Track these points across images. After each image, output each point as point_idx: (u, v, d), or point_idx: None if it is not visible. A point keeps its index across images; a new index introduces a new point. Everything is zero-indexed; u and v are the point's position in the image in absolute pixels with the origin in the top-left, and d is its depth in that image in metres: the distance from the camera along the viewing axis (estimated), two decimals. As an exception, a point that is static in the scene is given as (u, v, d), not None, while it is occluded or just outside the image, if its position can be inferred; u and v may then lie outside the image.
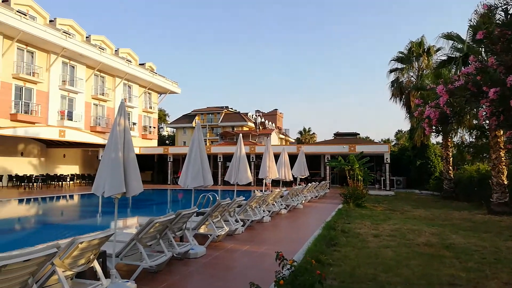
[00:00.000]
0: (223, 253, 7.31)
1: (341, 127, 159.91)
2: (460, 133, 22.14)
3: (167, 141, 74.40)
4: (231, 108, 77.32)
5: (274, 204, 12.97)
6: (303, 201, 16.52)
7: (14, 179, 25.45)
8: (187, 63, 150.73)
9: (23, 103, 26.48)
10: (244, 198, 10.02)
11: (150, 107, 41.62)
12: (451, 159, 22.00)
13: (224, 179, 12.55)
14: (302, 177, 20.22)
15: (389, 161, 27.65)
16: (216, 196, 13.36)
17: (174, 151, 33.77)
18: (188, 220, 6.87)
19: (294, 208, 14.90)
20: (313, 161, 30.93)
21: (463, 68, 12.93)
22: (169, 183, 31.90)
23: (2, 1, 25.98)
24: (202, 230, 8.08)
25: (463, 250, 7.55)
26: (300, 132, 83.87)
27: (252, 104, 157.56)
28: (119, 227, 10.93)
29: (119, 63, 34.30)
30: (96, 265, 4.42)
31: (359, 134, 55.87)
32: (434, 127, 5.68)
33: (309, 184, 19.00)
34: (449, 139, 22.13)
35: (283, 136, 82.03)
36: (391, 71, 28.96)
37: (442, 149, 22.89)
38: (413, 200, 19.96)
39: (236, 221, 9.35)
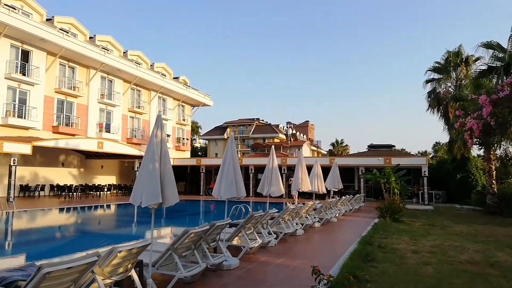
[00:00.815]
0: (256, 266, 7.23)
1: (375, 139, 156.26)
2: (503, 145, 21.02)
3: (199, 153, 75.59)
4: (262, 120, 77.65)
5: (307, 217, 12.77)
6: (337, 215, 16.16)
7: (56, 189, 26.61)
8: (220, 76, 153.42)
9: (64, 116, 27.84)
10: (276, 210, 9.93)
11: (184, 120, 42.56)
12: (494, 172, 20.89)
13: (257, 190, 12.51)
14: (336, 190, 19.86)
15: (427, 174, 26.63)
16: (248, 207, 13.35)
17: (207, 163, 34.21)
18: (221, 232, 6.87)
19: (327, 221, 14.59)
20: (347, 173, 30.32)
21: (505, 78, 12.33)
22: (201, 194, 32.26)
23: (46, 20, 27.65)
24: (235, 241, 8.05)
25: (510, 269, 7.08)
26: (333, 144, 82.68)
27: (283, 116, 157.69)
28: (154, 237, 11.12)
29: (154, 77, 35.42)
30: (133, 274, 4.49)
31: (394, 146, 54.39)
32: (476, 139, 5.42)
33: (343, 197, 18.60)
34: (492, 152, 21.04)
35: (314, 148, 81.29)
36: (427, 81, 28.12)
37: (484, 162, 21.79)
38: (453, 215, 19.04)
39: (269, 233, 9.26)
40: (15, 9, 23.74)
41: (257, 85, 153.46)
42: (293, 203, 13.57)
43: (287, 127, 70.84)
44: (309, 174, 15.51)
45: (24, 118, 24.64)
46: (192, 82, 60.40)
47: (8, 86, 23.98)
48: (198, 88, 44.31)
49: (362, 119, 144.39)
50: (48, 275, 3.23)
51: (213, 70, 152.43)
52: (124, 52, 34.95)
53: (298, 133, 78.66)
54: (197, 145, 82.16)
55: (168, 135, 38.90)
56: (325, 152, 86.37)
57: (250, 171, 31.32)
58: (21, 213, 16.90)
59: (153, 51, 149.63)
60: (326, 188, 17.99)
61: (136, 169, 30.28)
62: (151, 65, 38.45)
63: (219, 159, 35.70)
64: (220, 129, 75.07)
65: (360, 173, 29.04)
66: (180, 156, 38.97)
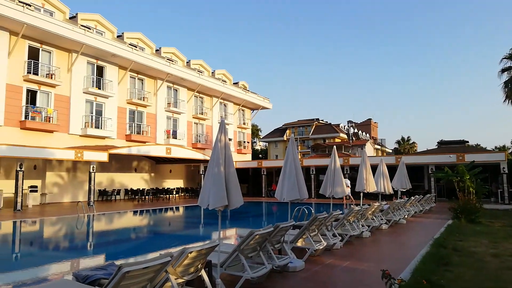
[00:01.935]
0: (322, 268, 7.16)
1: (445, 135, 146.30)
2: None
3: (260, 155, 76.46)
4: (322, 120, 76.46)
5: (373, 219, 12.34)
6: (406, 216, 15.39)
7: (130, 193, 28.59)
8: (278, 78, 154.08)
9: (135, 125, 29.87)
10: (341, 211, 9.73)
11: (244, 123, 43.41)
12: None
13: (319, 192, 12.36)
14: (404, 190, 18.94)
15: (506, 171, 24.32)
16: (311, 209, 13.24)
17: (267, 165, 34.51)
18: (285, 233, 6.91)
19: (396, 223, 13.96)
20: (415, 172, 28.72)
21: None
22: (263, 195, 32.61)
23: (117, 36, 29.90)
24: (299, 243, 8.04)
25: None
26: (398, 142, 78.83)
27: (343, 115, 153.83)
28: (221, 238, 11.48)
29: (215, 83, 36.63)
30: (203, 274, 4.69)
31: (467, 142, 50.47)
32: None
33: (412, 198, 17.66)
34: None
35: (378, 147, 78.13)
36: (503, 70, 25.75)
37: None
38: (541, 215, 17.17)
39: (334, 235, 9.11)
40: (89, 28, 26.01)
41: (315, 85, 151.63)
42: (349, 204, 13.22)
43: (348, 126, 68.96)
44: (373, 174, 14.97)
45: (101, 128, 26.87)
46: (251, 86, 61.46)
47: (86, 99, 26.32)
48: (257, 91, 44.99)
49: (430, 114, 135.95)
50: (127, 274, 3.51)
51: (271, 73, 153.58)
52: (187, 62, 36.64)
53: (360, 131, 76.22)
54: (258, 147, 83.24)
55: (230, 139, 39.94)
56: (390, 151, 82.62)
57: (311, 172, 31.01)
58: (100, 216, 18.42)
59: (214, 58, 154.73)
60: (393, 189, 17.22)
61: (201, 173, 31.48)
62: (212, 72, 39.83)
63: (280, 161, 35.81)
64: (280, 131, 75.28)
65: (430, 172, 27.36)
66: (241, 159, 39.79)
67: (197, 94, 36.46)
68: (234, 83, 42.61)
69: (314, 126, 73.06)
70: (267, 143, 78.44)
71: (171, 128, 33.13)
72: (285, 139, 72.30)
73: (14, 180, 19.31)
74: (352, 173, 29.02)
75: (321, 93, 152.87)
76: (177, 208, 23.51)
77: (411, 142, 78.44)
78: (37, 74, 23.39)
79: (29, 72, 22.94)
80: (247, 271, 5.44)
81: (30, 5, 22.28)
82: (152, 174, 32.74)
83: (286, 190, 7.78)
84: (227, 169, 5.85)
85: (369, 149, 64.98)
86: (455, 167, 19.06)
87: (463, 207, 14.63)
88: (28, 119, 22.54)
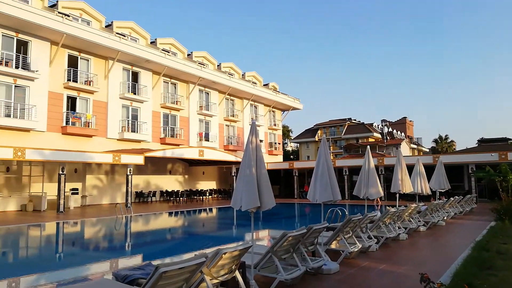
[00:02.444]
0: (357, 271, 7.03)
1: (486, 132, 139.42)
2: None
3: (291, 156, 76.11)
4: (354, 120, 75.07)
5: (410, 221, 11.96)
6: (445, 218, 14.81)
7: (165, 194, 29.31)
8: (308, 79, 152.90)
9: (169, 128, 30.61)
10: (376, 213, 9.52)
11: (275, 124, 43.39)
12: None
13: (353, 193, 12.14)
14: (442, 191, 18.24)
15: (555, 170, 22.83)
16: (345, 211, 13.02)
17: (299, 166, 34.29)
18: (319, 235, 6.84)
19: (434, 225, 13.47)
20: (454, 172, 27.57)
21: None
22: (295, 197, 32.43)
23: (151, 43, 30.77)
24: (333, 245, 7.94)
25: None
26: (436, 141, 75.94)
27: (377, 114, 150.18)
28: (253, 239, 11.53)
29: (246, 86, 36.87)
30: (237, 275, 4.73)
31: (510, 140, 47.88)
32: None
33: (451, 198, 16.97)
34: None
35: (414, 146, 75.74)
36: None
37: None
38: None
39: (369, 237, 8.92)
40: (124, 36, 26.93)
41: (347, 84, 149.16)
42: (377, 205, 12.87)
43: (382, 125, 67.37)
44: (410, 175, 14.52)
45: (136, 132, 27.74)
46: (282, 87, 61.36)
47: (123, 104, 27.27)
48: (288, 92, 44.82)
49: (470, 111, 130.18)
50: (164, 274, 3.61)
51: (302, 73, 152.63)
52: (218, 65, 37.14)
53: (394, 131, 74.16)
54: (289, 148, 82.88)
55: (261, 141, 40.04)
56: (427, 150, 79.86)
57: (344, 173, 30.51)
58: (137, 217, 19.00)
59: (244, 60, 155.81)
60: (431, 189, 16.64)
61: (233, 174, 31.76)
62: (242, 74, 40.12)
63: (312, 161, 35.49)
64: (311, 132, 74.63)
65: (470, 172, 26.20)
66: (273, 160, 39.78)
67: (228, 96, 36.85)
68: (264, 85, 42.70)
69: (346, 126, 71.86)
70: (298, 144, 77.98)
71: (203, 131, 33.67)
72: (316, 139, 71.58)
73: (57, 183, 20.30)
74: (387, 173, 28.28)
75: (353, 92, 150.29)
76: (210, 210, 23.84)
77: (449, 140, 75.34)
78: (77, 81, 24.51)
79: (69, 80, 24.07)
80: (280, 272, 5.43)
81: (68, 15, 23.38)
82: (186, 176, 33.39)
83: (319, 192, 7.70)
84: (258, 170, 5.88)
85: (405, 149, 63.10)
86: (497, 166, 18.16)
87: (507, 208, 13.90)
88: (69, 124, 23.65)
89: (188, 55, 34.09)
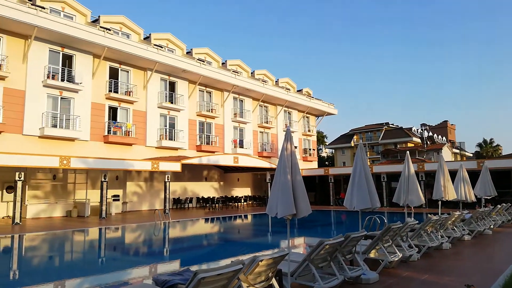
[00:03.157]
0: (398, 281, 6.79)
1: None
2: None
3: (326, 162, 75.08)
4: (392, 124, 72.98)
5: (454, 229, 11.42)
6: (492, 226, 14.01)
7: (201, 201, 29.80)
8: (343, 83, 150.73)
9: (205, 136, 31.19)
10: (417, 221, 9.17)
11: (309, 130, 43.05)
12: None
13: (392, 200, 11.78)
14: (488, 198, 17.31)
15: None
16: (384, 218, 12.64)
17: (335, 172, 33.72)
18: (357, 244, 6.69)
19: (480, 234, 12.78)
20: (501, 178, 26.05)
21: None
22: (331, 204, 31.89)
23: (186, 53, 31.59)
24: (372, 254, 7.72)
25: None
26: (480, 145, 72.28)
27: (416, 118, 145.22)
28: (287, 247, 11.44)
29: (279, 92, 36.93)
30: (274, 282, 4.72)
31: None
32: None
33: (498, 206, 16.04)
34: None
35: (457, 151, 72.36)
36: None
37: None
38: None
39: (410, 246, 8.60)
40: (162, 47, 27.86)
41: (383, 88, 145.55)
42: (409, 213, 12.30)
43: (421, 129, 64.99)
44: (452, 181, 13.89)
45: (174, 140, 28.48)
46: (316, 93, 60.88)
47: (160, 113, 28.13)
48: (322, 97, 44.43)
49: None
50: (203, 280, 3.66)
51: (336, 78, 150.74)
52: (251, 73, 37.50)
53: (435, 135, 71.39)
54: (324, 154, 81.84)
55: (295, 147, 39.80)
56: (471, 155, 76.07)
57: (382, 179, 29.64)
58: (175, 223, 19.42)
59: (277, 67, 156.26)
60: (476, 196, 15.81)
61: (267, 181, 31.75)
62: (276, 81, 40.23)
63: (348, 168, 34.83)
64: (346, 137, 73.33)
65: (519, 177, 24.65)
66: (307, 166, 39.40)
67: (262, 103, 37.04)
68: (298, 91, 42.56)
69: (383, 131, 70.01)
70: (333, 150, 76.82)
71: (238, 138, 34.00)
72: (352, 145, 70.21)
73: (100, 190, 21.18)
74: (428, 179, 27.20)
75: (389, 96, 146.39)
76: (245, 216, 23.94)
77: (494, 144, 71.45)
78: (117, 92, 25.60)
79: (110, 91, 25.20)
80: (318, 281, 5.36)
81: (109, 30, 24.52)
82: (221, 183, 33.78)
83: (356, 199, 7.54)
84: (293, 177, 5.86)
85: (447, 154, 60.51)
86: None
87: None
88: (110, 133, 24.69)
89: (222, 63, 34.68)
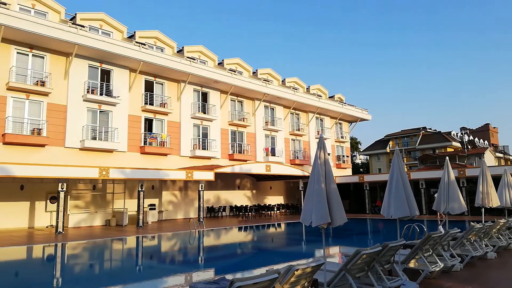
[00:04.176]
0: (440, 293, 6.50)
1: None
2: None
3: (361, 169, 73.50)
4: (430, 129, 70.52)
5: (499, 238, 10.82)
6: (542, 235, 13.12)
7: (234, 209, 29.96)
8: (377, 88, 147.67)
9: (237, 145, 31.47)
10: (458, 229, 8.78)
11: (342, 137, 42.40)
12: None
13: (432, 208, 11.34)
14: (537, 204, 16.23)
15: None
16: (423, 227, 12.19)
17: (370, 179, 32.91)
18: (395, 253, 6.48)
19: (529, 243, 11.99)
20: (551, 183, 24.42)
21: None
22: (367, 212, 31.10)
23: (218, 63, 32.17)
24: (411, 264, 7.46)
25: None
26: (525, 148, 68.29)
27: (455, 122, 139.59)
28: (322, 256, 11.24)
29: (310, 99, 36.71)
30: (310, 292, 4.65)
31: None
32: None
33: (549, 213, 15.04)
34: None
35: (501, 155, 68.82)
36: None
37: None
38: None
39: (452, 256, 8.23)
40: (194, 59, 28.54)
41: (419, 92, 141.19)
42: (441, 220, 11.74)
43: (461, 133, 62.40)
44: (496, 187, 13.18)
45: (207, 149, 28.94)
46: (348, 99, 59.98)
47: (194, 124, 28.72)
48: (355, 103, 43.69)
49: None
50: (239, 290, 3.68)
51: (369, 83, 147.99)
52: (282, 81, 37.57)
53: (476, 139, 68.25)
54: (358, 161, 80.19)
55: (328, 154, 39.25)
56: (516, 159, 71.96)
57: (420, 186, 28.61)
58: (209, 231, 19.63)
59: (308, 74, 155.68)
60: (523, 203, 14.88)
61: (300, 189, 31.48)
62: (307, 88, 40.07)
63: (383, 174, 33.91)
64: (381, 143, 71.55)
65: None
66: (341, 174, 38.73)
67: (293, 111, 36.95)
68: (329, 97, 42.15)
69: (420, 136, 67.76)
70: (368, 157, 75.14)
71: (270, 146, 34.03)
72: (388, 151, 68.41)
73: (137, 199, 21.82)
74: (470, 186, 25.98)
75: (426, 99, 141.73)
76: (279, 225, 23.81)
77: (543, 147, 67.25)
78: (152, 104, 26.43)
79: (146, 103, 26.05)
80: (355, 292, 5.23)
81: (144, 44, 25.44)
82: (254, 191, 33.85)
83: (394, 207, 7.32)
84: (328, 185, 5.79)
85: (489, 158, 57.60)
86: None
87: None
88: (146, 144, 25.47)
89: (253, 73, 35.01)
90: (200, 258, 12.82)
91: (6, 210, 20.46)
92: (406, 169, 47.80)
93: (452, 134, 67.54)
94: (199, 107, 29.24)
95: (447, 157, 11.44)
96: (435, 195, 25.36)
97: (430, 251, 7.55)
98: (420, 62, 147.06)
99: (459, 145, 63.19)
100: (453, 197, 10.57)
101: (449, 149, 63.19)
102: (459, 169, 27.24)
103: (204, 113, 29.33)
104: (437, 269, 7.27)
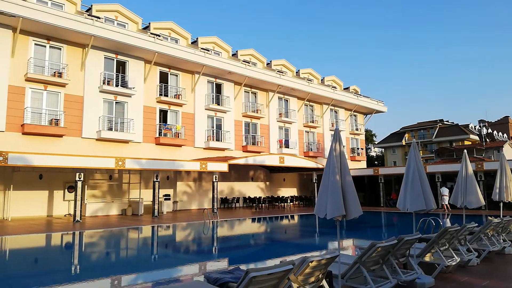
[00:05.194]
0: (456, 286, 6.43)
1: None
2: None
3: (375, 162, 72.78)
4: (447, 121, 69.18)
5: (518, 233, 10.59)
6: None
7: (247, 201, 30.11)
8: (393, 80, 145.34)
9: (250, 136, 31.49)
10: (476, 224, 8.63)
11: (357, 129, 41.98)
12: None
13: (449, 202, 11.17)
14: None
15: None
16: (439, 220, 12.04)
17: (385, 172, 32.57)
18: (411, 247, 6.42)
19: (549, 238, 11.72)
20: None
21: None
22: (382, 205, 30.85)
23: (232, 55, 32.09)
24: (427, 258, 7.38)
25: None
26: (547, 142, 66.39)
27: (472, 114, 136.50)
28: (336, 248, 11.21)
29: (325, 91, 36.37)
30: (325, 284, 4.66)
31: None
32: None
33: None
34: None
35: (520, 148, 66.98)
36: None
37: None
38: None
39: (469, 250, 8.11)
40: (208, 50, 28.52)
41: (435, 83, 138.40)
42: (443, 214, 11.54)
43: (480, 126, 61.06)
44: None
45: (220, 141, 29.06)
46: (364, 90, 59.16)
47: (208, 115, 28.82)
48: (371, 95, 43.11)
49: None
50: (254, 279, 3.70)
51: (384, 75, 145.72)
52: (296, 72, 37.28)
53: (495, 132, 66.69)
54: (373, 154, 79.36)
55: (343, 146, 38.97)
56: (537, 153, 70.06)
57: (436, 180, 28.19)
58: (223, 222, 19.80)
59: (323, 65, 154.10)
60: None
61: (314, 181, 31.39)
62: (321, 79, 39.68)
63: (399, 167, 33.50)
64: (397, 136, 70.57)
65: None
66: (356, 166, 38.45)
67: (307, 102, 36.70)
68: (344, 89, 41.68)
69: (437, 128, 66.55)
70: (383, 149, 74.28)
71: (283, 138, 33.95)
72: (403, 143, 67.48)
73: (152, 190, 22.11)
74: (488, 180, 25.47)
75: (442, 91, 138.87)
76: (292, 216, 23.84)
77: None
78: (167, 96, 26.60)
79: (160, 94, 26.23)
80: (370, 284, 5.21)
81: (159, 36, 25.53)
82: (267, 183, 33.90)
83: (410, 200, 7.23)
84: (343, 178, 5.75)
85: (509, 152, 56.25)
86: None
87: None
88: (161, 135, 25.71)
89: (267, 64, 34.82)
90: (214, 248, 12.95)
91: (26, 199, 21.01)
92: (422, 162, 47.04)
93: (470, 126, 66.14)
94: (213, 99, 29.30)
95: (465, 150, 11.21)
96: (441, 189, 25.05)
97: (447, 245, 7.45)
98: (438, 52, 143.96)
99: (477, 138, 61.90)
100: (470, 191, 10.39)
101: (466, 142, 61.96)
102: (477, 162, 26.72)
103: (218, 104, 29.38)
104: (453, 263, 7.18)
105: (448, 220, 18.43)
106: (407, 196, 7.32)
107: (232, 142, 29.80)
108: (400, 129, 71.63)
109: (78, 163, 18.68)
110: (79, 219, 18.47)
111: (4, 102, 20.07)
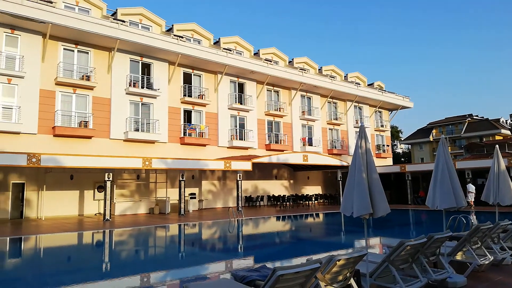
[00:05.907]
0: (489, 286, 6.24)
1: None
2: None
3: (402, 159, 71.22)
4: (476, 116, 66.86)
5: (556, 231, 10.13)
6: None
7: (272, 199, 30.13)
8: (418, 75, 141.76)
9: (273, 135, 31.48)
10: (509, 221, 8.32)
11: (382, 125, 41.21)
12: None
13: (480, 199, 10.81)
14: None
15: None
16: (470, 218, 11.68)
17: (412, 169, 31.82)
18: (441, 245, 6.27)
19: None
20: None
21: None
22: (409, 203, 30.18)
23: (254, 54, 32.14)
24: (458, 257, 7.18)
25: None
26: None
27: (504, 108, 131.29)
28: (363, 247, 11.06)
29: (348, 87, 35.89)
30: (353, 283, 4.63)
31: None
32: None
33: None
34: None
35: (557, 143, 63.91)
36: None
37: None
38: None
39: (502, 249, 7.84)
40: (230, 50, 28.69)
41: (463, 77, 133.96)
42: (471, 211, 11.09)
43: (511, 120, 58.57)
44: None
45: (244, 140, 29.21)
46: (389, 86, 57.94)
47: (231, 114, 29.03)
48: (396, 91, 42.19)
49: None
50: (281, 277, 3.73)
51: (410, 70, 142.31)
52: (319, 69, 36.95)
53: (529, 126, 63.82)
54: (399, 150, 77.66)
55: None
56: None
57: (466, 176, 27.31)
58: (247, 220, 19.90)
59: (346, 62, 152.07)
60: None
61: (339, 179, 31.05)
62: (344, 76, 39.17)
63: (427, 164, 32.64)
64: (424, 131, 68.84)
65: None
66: (381, 163, 37.75)
67: (330, 99, 36.33)
68: (368, 85, 40.99)
69: (466, 123, 64.45)
70: (409, 146, 72.60)
71: (307, 136, 33.75)
72: (431, 139, 65.74)
73: (178, 189, 22.49)
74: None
75: (471, 85, 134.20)
76: (317, 215, 23.67)
77: None
78: (191, 96, 26.97)
79: (184, 95, 26.62)
80: (399, 283, 5.13)
81: (182, 37, 25.90)
82: (291, 181, 33.81)
83: (439, 197, 7.05)
84: (369, 175, 5.68)
85: (543, 146, 53.85)
86: None
87: None
88: (186, 135, 26.10)
89: (289, 62, 34.69)
90: (240, 246, 13.04)
91: (58, 199, 21.81)
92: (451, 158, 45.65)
93: (501, 121, 63.66)
94: (235, 98, 29.47)
95: (497, 146, 10.81)
96: (467, 186, 24.26)
97: (479, 244, 7.23)
98: (465, 44, 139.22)
99: (508, 132, 59.55)
100: (503, 187, 10.00)
101: (497, 137, 59.69)
102: (509, 158, 25.70)
103: (241, 103, 29.52)
104: (486, 262, 6.97)
105: (474, 217, 17.84)
106: (436, 193, 7.15)
107: (255, 140, 29.90)
108: (427, 124, 69.86)
109: (107, 163, 19.22)
110: (109, 218, 19.03)
111: (36, 106, 20.89)
